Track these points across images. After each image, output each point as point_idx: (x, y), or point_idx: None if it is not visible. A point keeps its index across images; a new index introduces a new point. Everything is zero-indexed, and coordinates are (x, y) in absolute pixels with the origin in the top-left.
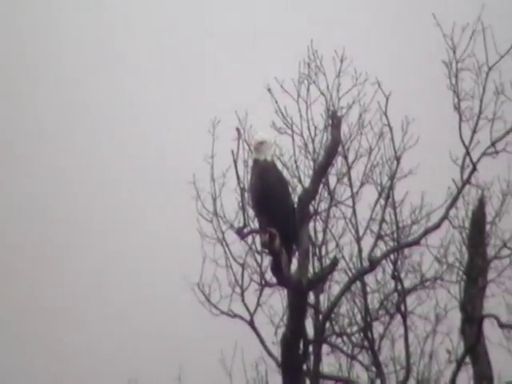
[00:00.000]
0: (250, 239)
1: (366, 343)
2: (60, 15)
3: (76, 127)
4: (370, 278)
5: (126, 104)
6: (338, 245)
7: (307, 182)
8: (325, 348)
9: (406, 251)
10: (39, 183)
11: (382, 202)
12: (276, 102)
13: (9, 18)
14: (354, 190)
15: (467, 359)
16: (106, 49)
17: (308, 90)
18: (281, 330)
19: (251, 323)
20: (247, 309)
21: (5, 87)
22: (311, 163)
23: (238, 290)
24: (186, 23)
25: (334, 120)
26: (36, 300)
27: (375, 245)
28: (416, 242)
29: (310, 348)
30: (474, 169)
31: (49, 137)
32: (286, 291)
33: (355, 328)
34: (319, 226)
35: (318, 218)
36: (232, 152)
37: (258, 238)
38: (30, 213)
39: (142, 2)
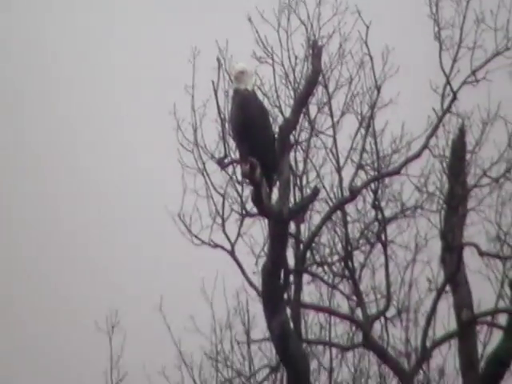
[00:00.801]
0: (230, 169)
1: (346, 272)
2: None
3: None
4: (350, 208)
5: (107, 37)
6: (318, 174)
7: (288, 112)
8: (305, 277)
9: (387, 180)
10: None
11: (363, 131)
12: (256, 31)
13: None
14: (335, 120)
15: (447, 288)
16: None
17: (288, 19)
18: (262, 260)
19: (232, 253)
20: (228, 239)
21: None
22: (292, 93)
23: (218, 220)
24: None
25: (315, 49)
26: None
27: (356, 174)
28: (396, 172)
29: (291, 277)
30: (455, 97)
31: None
32: (266, 221)
33: (336, 257)
34: (300, 155)
35: (299, 147)
36: (212, 82)
37: (238, 168)
38: None
39: None
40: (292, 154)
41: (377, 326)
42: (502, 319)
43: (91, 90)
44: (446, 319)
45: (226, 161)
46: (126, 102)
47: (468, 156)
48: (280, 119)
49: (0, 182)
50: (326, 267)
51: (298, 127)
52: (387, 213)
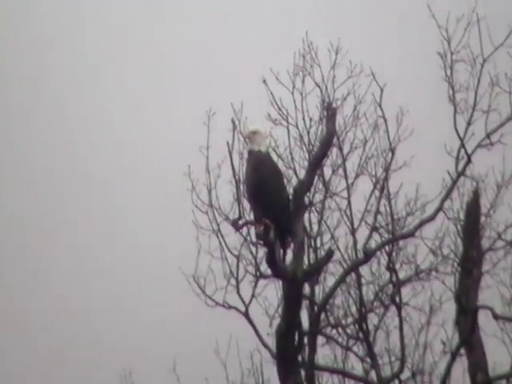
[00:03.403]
0: (245, 231)
1: (360, 335)
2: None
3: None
4: (364, 270)
5: (123, 94)
6: (332, 236)
7: (302, 174)
8: (320, 339)
9: (401, 243)
10: None
11: (377, 193)
12: (271, 93)
13: None
14: (349, 182)
15: (462, 350)
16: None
17: (303, 81)
18: (276, 322)
19: (246, 314)
20: (242, 300)
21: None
22: (306, 155)
23: (233, 281)
24: (182, 13)
25: (329, 111)
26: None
27: (370, 236)
28: (411, 234)
29: (305, 339)
30: (469, 160)
31: None
32: (281, 283)
33: (350, 319)
34: (314, 217)
35: (313, 209)
36: (227, 143)
37: (253, 230)
38: None
39: None
40: (306, 216)
41: None
42: None
43: (107, 150)
44: (461, 382)
45: (240, 222)
46: (141, 162)
47: (482, 219)
48: (294, 181)
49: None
50: (340, 329)
51: (312, 189)
52: (401, 275)
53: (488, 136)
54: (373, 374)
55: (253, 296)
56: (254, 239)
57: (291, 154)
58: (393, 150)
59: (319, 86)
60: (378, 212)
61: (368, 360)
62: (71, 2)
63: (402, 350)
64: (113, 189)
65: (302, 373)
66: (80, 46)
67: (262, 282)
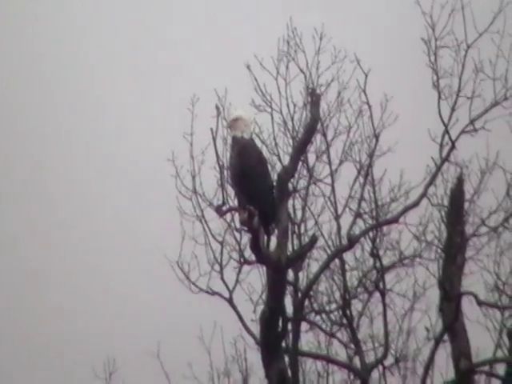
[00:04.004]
0: (228, 217)
1: (344, 321)
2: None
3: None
4: (348, 256)
5: (107, 80)
6: (316, 222)
7: (286, 160)
8: (304, 325)
9: (385, 229)
10: None
11: (361, 179)
12: (255, 79)
13: None
14: (333, 168)
15: (446, 337)
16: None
17: (287, 67)
18: (260, 308)
19: (230, 300)
20: (226, 286)
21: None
22: (290, 141)
23: (217, 267)
24: (166, 1)
25: (313, 97)
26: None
27: (354, 222)
28: (395, 220)
29: (289, 325)
30: (453, 147)
31: None
32: (265, 269)
33: (334, 305)
34: (298, 203)
35: (297, 195)
36: (211, 130)
37: (237, 216)
38: None
39: None
40: (290, 202)
41: (375, 375)
42: (500, 369)
43: (91, 137)
44: (444, 368)
45: (224, 208)
46: (124, 149)
47: (466, 205)
48: (278, 167)
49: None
50: (324, 315)
51: (296, 175)
52: (385, 261)
53: (472, 122)
54: (356, 360)
55: (237, 282)
56: (237, 225)
57: (275, 140)
58: (377, 136)
59: (303, 72)
60: (361, 198)
61: (352, 346)
62: None
63: (386, 336)
64: (97, 175)
65: (286, 359)
66: (65, 33)
67: (245, 268)
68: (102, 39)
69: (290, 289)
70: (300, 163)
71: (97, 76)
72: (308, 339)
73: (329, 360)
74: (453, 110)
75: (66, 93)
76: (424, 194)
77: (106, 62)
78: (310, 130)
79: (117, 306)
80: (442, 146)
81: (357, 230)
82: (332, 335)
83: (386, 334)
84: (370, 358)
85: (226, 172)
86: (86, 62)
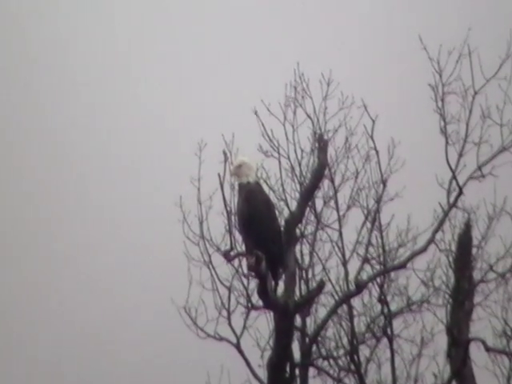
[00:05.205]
0: (236, 262)
1: (352, 366)
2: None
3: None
4: (356, 302)
5: (115, 123)
6: (324, 268)
7: (294, 205)
8: (311, 371)
9: (393, 274)
10: None
11: (369, 225)
12: (262, 124)
13: None
14: (341, 213)
15: (454, 383)
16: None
17: (294, 113)
18: (267, 353)
19: (238, 346)
20: (234, 332)
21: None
22: (298, 186)
23: (224, 313)
24: (173, 43)
25: (321, 143)
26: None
27: (362, 268)
28: (402, 266)
29: (297, 371)
30: (461, 192)
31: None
32: (272, 314)
33: (342, 351)
34: (306, 249)
35: (305, 240)
36: (218, 175)
37: (244, 261)
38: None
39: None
40: (298, 247)
41: None
42: None
43: (97, 181)
44: None
45: (231, 254)
46: (132, 193)
47: (474, 251)
48: (286, 212)
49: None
50: (331, 361)
51: (303, 220)
52: (393, 307)
53: (479, 168)
54: None
55: (244, 327)
56: (245, 271)
57: (283, 185)
58: (384, 182)
59: (311, 118)
60: (369, 243)
61: None
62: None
63: (394, 382)
64: (103, 218)
65: None
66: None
67: (253, 314)
68: (110, 81)
69: (297, 334)
70: (307, 209)
71: (105, 119)
72: None
73: None
74: (460, 155)
75: (76, 134)
76: (431, 240)
77: (115, 105)
78: (318, 175)
79: (124, 352)
80: (449, 191)
81: (364, 276)
82: (340, 381)
83: (394, 380)
84: None
85: (233, 217)
86: (96, 104)
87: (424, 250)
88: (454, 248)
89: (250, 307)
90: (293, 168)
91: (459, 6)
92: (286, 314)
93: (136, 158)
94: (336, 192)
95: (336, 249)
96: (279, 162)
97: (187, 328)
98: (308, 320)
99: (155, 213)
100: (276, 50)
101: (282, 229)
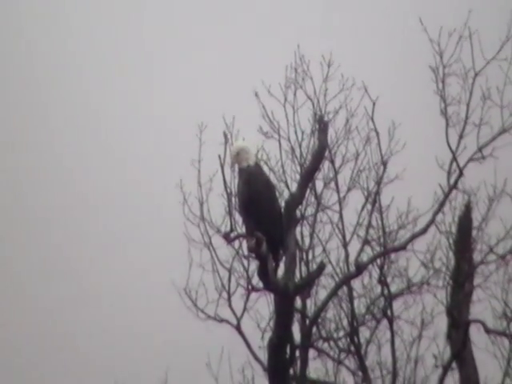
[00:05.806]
0: (236, 244)
1: (352, 348)
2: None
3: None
4: (356, 283)
5: (114, 107)
6: (324, 249)
7: (294, 187)
8: (311, 353)
9: (393, 256)
10: None
11: (369, 206)
12: (263, 106)
13: None
14: (341, 195)
15: (454, 364)
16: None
17: (295, 94)
18: (267, 335)
19: (238, 328)
20: (234, 313)
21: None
22: (298, 168)
23: (224, 294)
24: (174, 27)
25: (321, 125)
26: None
27: (362, 250)
28: (402, 247)
29: (297, 353)
30: (461, 174)
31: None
32: (272, 296)
33: (342, 333)
34: (306, 230)
35: (305, 222)
36: (219, 157)
37: (244, 243)
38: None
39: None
40: (298, 229)
41: None
42: None
43: (97, 170)
44: None
45: (232, 235)
46: (133, 175)
47: (474, 232)
48: (286, 194)
49: None
50: (331, 342)
51: (304, 202)
52: (393, 288)
53: (480, 149)
54: None
55: (244, 309)
56: (245, 252)
57: (283, 167)
58: (385, 164)
59: (311, 99)
60: (369, 225)
61: (359, 373)
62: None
63: (394, 364)
64: (104, 202)
65: None
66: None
67: (253, 296)
68: (109, 65)
69: (297, 316)
70: (308, 190)
71: (104, 103)
72: (316, 366)
73: None
74: (460, 137)
75: (70, 120)
76: (432, 222)
77: (114, 89)
78: (318, 157)
79: (124, 334)
80: (449, 173)
81: (365, 257)
82: (340, 362)
83: (394, 361)
84: None
85: (233, 199)
86: (92, 90)
87: (424, 231)
88: (454, 230)
89: (251, 289)
90: (293, 149)
91: None
92: (286, 296)
93: (137, 139)
94: (336, 174)
95: (336, 230)
96: (279, 143)
97: (188, 309)
98: (308, 302)
99: (156, 194)
100: (277, 31)
101: (283, 210)
